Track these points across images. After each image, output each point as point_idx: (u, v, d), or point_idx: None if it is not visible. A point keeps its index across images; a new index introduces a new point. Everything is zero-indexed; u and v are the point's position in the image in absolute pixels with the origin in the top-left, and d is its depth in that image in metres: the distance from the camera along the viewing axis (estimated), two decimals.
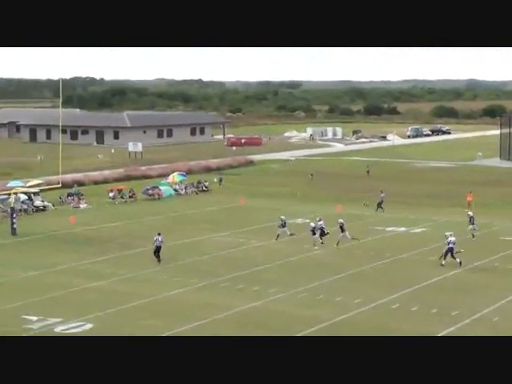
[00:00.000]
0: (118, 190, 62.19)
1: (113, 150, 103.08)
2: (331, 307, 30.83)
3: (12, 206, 47.67)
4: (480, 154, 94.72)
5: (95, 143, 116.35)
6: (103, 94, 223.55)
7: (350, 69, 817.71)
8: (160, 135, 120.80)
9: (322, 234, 43.05)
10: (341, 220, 43.63)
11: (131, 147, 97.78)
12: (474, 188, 62.66)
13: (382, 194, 56.39)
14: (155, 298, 32.36)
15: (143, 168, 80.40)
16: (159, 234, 39.21)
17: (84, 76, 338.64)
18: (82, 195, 60.46)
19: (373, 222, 50.96)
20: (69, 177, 67.43)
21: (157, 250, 38.79)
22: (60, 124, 66.67)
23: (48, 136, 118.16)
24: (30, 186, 57.62)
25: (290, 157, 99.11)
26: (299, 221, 49.64)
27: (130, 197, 61.41)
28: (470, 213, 46.84)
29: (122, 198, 61.01)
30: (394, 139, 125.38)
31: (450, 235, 38.35)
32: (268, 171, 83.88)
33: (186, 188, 66.00)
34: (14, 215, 46.87)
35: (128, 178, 73.69)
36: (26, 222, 50.53)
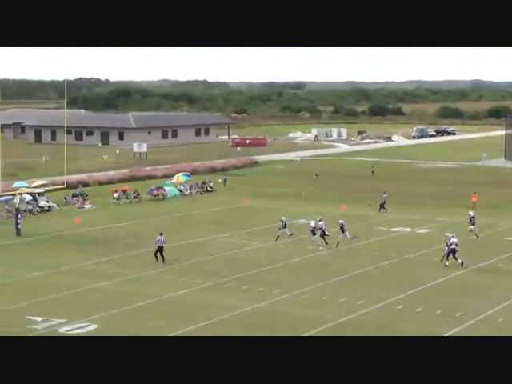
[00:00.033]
0: (122, 190, 62.24)
1: (118, 151, 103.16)
2: (336, 308, 30.81)
3: (17, 206, 47.72)
4: (485, 154, 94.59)
5: (100, 144, 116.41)
6: (108, 95, 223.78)
7: (350, 69, 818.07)
8: (165, 136, 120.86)
9: (323, 234, 42.98)
10: (341, 220, 43.54)
11: (136, 148, 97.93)
12: (479, 189, 62.60)
13: (385, 195, 56.39)
14: (160, 298, 32.36)
15: (148, 168, 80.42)
16: (161, 234, 39.03)
17: (89, 77, 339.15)
18: (86, 196, 60.52)
19: (377, 222, 50.93)
20: (73, 177, 67.44)
21: (158, 251, 38.63)
22: (65, 125, 66.55)
23: (53, 137, 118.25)
24: (35, 187, 57.66)
25: (294, 157, 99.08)
26: (303, 221, 49.62)
27: (134, 197, 61.47)
28: (471, 213, 46.80)
29: (126, 198, 61.06)
30: (398, 140, 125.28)
31: (452, 236, 38.28)
32: (273, 172, 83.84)
33: (190, 188, 66.03)
34: (19, 216, 46.92)
35: (133, 179, 73.73)
36: (31, 222, 50.59)
